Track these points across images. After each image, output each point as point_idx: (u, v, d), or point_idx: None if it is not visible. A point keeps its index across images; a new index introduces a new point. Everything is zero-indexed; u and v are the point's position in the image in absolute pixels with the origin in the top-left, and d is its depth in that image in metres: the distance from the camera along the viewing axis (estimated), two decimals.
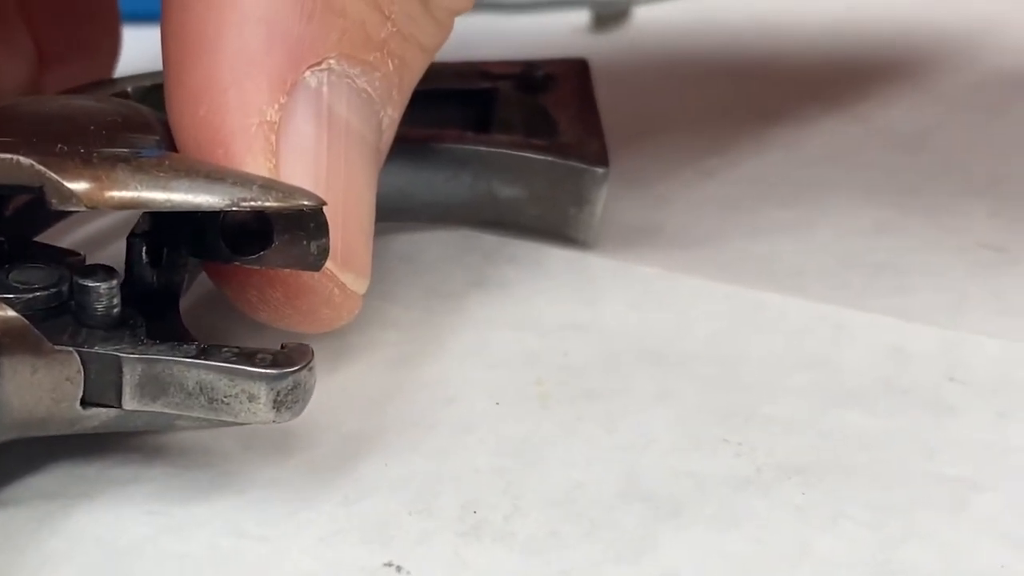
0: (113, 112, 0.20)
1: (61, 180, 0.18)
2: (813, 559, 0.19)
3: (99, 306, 0.18)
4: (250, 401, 0.18)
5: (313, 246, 0.19)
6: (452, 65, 0.27)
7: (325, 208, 0.19)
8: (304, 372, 0.18)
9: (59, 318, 0.18)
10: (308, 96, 0.20)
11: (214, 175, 0.18)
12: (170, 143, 0.20)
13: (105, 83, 0.24)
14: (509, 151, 0.25)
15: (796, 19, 0.41)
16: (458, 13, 0.22)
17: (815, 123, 0.33)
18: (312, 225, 0.19)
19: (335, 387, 0.22)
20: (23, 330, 0.18)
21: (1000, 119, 0.34)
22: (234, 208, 0.18)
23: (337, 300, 0.20)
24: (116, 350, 0.18)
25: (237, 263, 0.19)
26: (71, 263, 0.19)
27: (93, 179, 0.18)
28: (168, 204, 0.18)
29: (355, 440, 0.21)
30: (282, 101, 0.20)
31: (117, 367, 0.18)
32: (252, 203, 0.18)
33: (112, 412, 0.19)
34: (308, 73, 0.20)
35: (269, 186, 0.18)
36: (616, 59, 0.32)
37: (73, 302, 0.19)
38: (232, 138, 0.19)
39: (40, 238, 0.22)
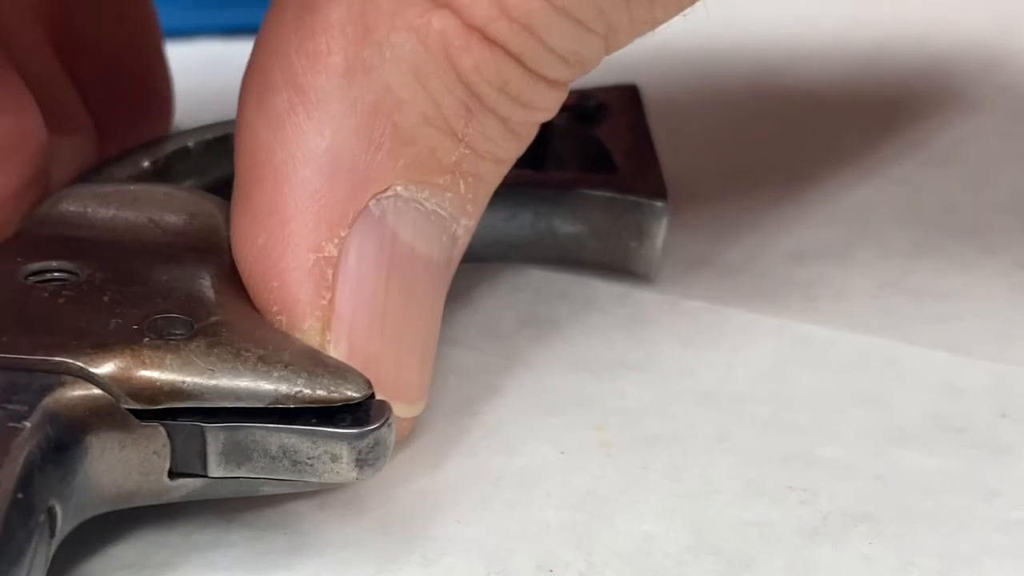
0: (180, 208, 0.21)
1: (112, 385, 0.18)
2: None
3: None
4: (333, 461, 0.19)
5: None
6: None
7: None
8: (384, 429, 0.19)
9: None
10: (370, 226, 0.20)
11: (261, 366, 0.18)
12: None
13: (169, 138, 0.24)
14: (569, 189, 0.26)
15: (808, 23, 0.41)
16: (542, 121, 0.21)
17: (842, 136, 0.34)
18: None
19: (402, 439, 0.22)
20: (110, 408, 0.18)
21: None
22: (278, 405, 0.18)
23: None
24: (199, 420, 0.19)
25: None
26: None
27: (140, 374, 0.18)
28: (216, 398, 0.18)
29: (425, 496, 0.21)
30: (342, 235, 0.20)
31: (201, 437, 0.19)
32: (297, 398, 0.18)
33: (199, 481, 0.19)
34: (372, 202, 0.20)
35: (317, 373, 0.19)
36: (628, 72, 0.32)
37: None
38: (288, 274, 0.20)
39: None
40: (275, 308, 0.20)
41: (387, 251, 0.20)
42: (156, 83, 0.28)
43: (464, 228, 0.21)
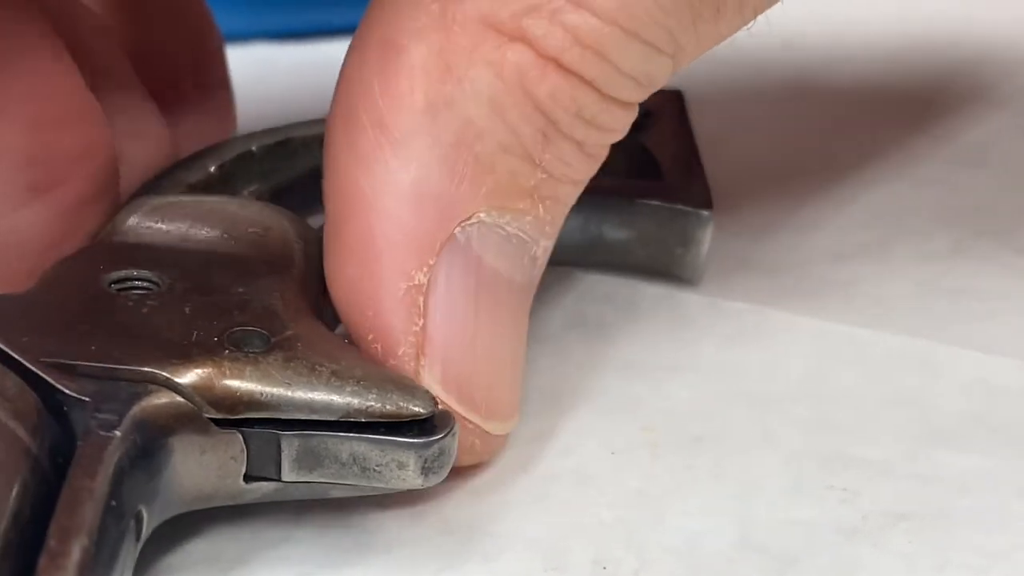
0: (252, 221, 0.22)
1: (194, 395, 0.19)
2: None
3: None
4: (400, 469, 0.20)
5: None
6: None
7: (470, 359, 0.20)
8: (448, 438, 0.20)
9: None
10: (456, 253, 0.21)
11: (334, 381, 0.19)
12: (315, 254, 0.22)
13: (233, 142, 0.25)
14: (618, 197, 0.27)
15: (843, 28, 0.42)
16: (613, 142, 0.22)
17: (877, 137, 0.34)
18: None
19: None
20: (192, 416, 0.19)
21: None
22: (349, 419, 0.19)
23: (478, 448, 0.21)
24: (274, 428, 0.20)
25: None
26: None
27: (221, 384, 0.19)
28: (292, 410, 0.19)
29: (481, 496, 0.22)
30: (431, 263, 0.20)
31: (276, 443, 0.20)
32: (368, 412, 0.19)
33: (272, 485, 0.20)
34: (458, 230, 0.20)
35: (387, 389, 0.20)
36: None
37: None
38: (381, 303, 0.20)
39: None
40: (370, 336, 0.21)
41: (474, 276, 0.21)
42: (218, 89, 0.29)
43: (543, 249, 0.22)
